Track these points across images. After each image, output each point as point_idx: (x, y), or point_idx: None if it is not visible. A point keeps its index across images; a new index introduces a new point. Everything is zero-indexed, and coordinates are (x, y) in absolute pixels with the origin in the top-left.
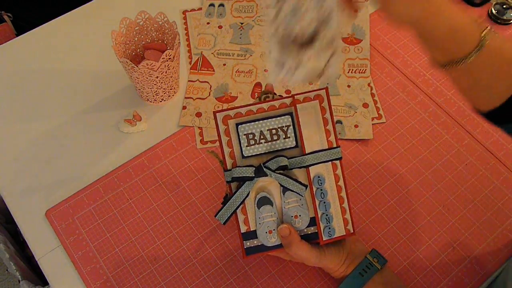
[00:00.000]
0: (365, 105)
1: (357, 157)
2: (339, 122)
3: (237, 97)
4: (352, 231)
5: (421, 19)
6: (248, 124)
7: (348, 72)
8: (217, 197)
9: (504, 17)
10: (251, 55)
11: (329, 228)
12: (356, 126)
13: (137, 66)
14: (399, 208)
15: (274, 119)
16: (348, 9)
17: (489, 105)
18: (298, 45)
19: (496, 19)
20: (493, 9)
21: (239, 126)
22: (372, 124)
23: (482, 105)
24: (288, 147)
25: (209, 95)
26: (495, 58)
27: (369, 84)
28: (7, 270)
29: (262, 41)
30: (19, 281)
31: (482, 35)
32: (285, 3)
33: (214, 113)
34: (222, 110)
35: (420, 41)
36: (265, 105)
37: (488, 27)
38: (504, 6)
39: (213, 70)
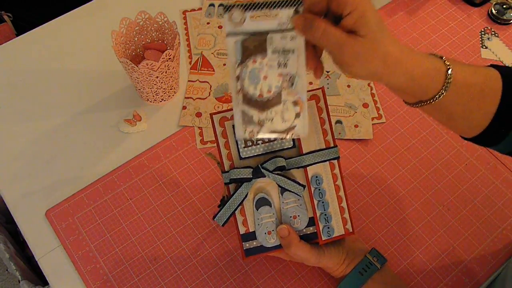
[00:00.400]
0: (365, 105)
1: (357, 157)
2: (339, 122)
3: None
4: (351, 231)
5: (380, 74)
6: None
7: None
8: (217, 197)
9: (504, 17)
10: None
11: (328, 227)
12: (356, 126)
13: (137, 66)
14: (399, 208)
15: None
16: (316, 71)
17: (470, 133)
18: (262, 103)
19: (496, 19)
20: (493, 9)
21: None
22: (372, 124)
23: (464, 134)
24: (285, 147)
25: (209, 95)
26: (464, 92)
27: (369, 84)
28: (7, 270)
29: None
30: (19, 281)
31: (449, 74)
32: (246, 66)
33: (211, 115)
34: (219, 112)
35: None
36: None
37: (448, 64)
38: (504, 6)
39: (213, 70)
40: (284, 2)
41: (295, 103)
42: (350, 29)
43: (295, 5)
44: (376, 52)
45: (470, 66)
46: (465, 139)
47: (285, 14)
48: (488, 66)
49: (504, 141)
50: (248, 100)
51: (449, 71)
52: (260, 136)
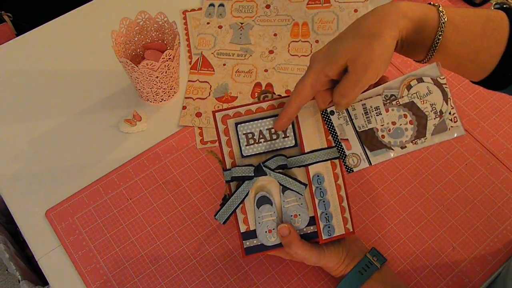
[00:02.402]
0: None
1: None
2: None
3: (237, 97)
4: (351, 230)
5: (389, 31)
6: (247, 123)
7: None
8: (217, 197)
9: None
10: (251, 55)
11: (329, 227)
12: None
13: (137, 66)
14: (399, 208)
15: (273, 118)
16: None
17: (479, 75)
18: (419, 131)
19: None
20: (493, 9)
21: (238, 125)
22: None
23: (474, 77)
24: (287, 146)
25: (209, 95)
26: (464, 32)
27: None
28: (7, 270)
29: (262, 41)
30: (19, 281)
31: (439, 10)
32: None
33: (213, 112)
34: (221, 110)
35: (398, 52)
36: (264, 105)
37: (436, 4)
38: (504, 6)
39: (213, 70)
40: (326, 122)
41: (406, 85)
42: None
43: (326, 117)
44: (363, 45)
45: (469, 9)
46: (475, 83)
47: (337, 121)
48: (494, 10)
49: None
50: (420, 132)
51: (440, 8)
52: (452, 112)
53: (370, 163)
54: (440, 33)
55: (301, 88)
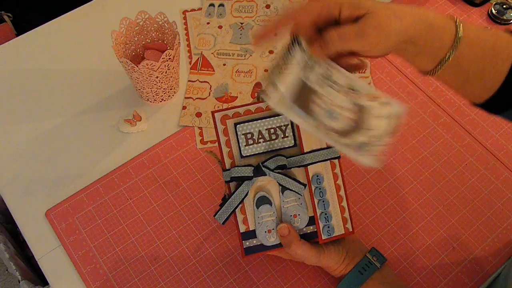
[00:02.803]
0: None
1: None
2: None
3: (237, 97)
4: (351, 230)
5: (400, 30)
6: (246, 123)
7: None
8: (217, 197)
9: (504, 17)
10: (251, 55)
11: (328, 227)
12: None
13: (137, 66)
14: (399, 208)
15: (272, 118)
16: (357, 66)
17: (482, 97)
18: (356, 126)
19: (496, 19)
20: (493, 9)
21: (238, 125)
22: None
23: (477, 98)
24: (286, 146)
25: (209, 95)
26: (477, 48)
27: (369, 84)
28: (7, 270)
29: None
30: (19, 281)
31: (457, 24)
32: (316, 117)
33: (213, 113)
34: (221, 110)
35: (407, 57)
36: (263, 105)
37: (456, 18)
38: (504, 6)
39: (213, 70)
40: (287, 47)
41: (372, 98)
42: (353, 19)
43: (294, 43)
44: (387, 11)
45: (480, 26)
46: (476, 105)
47: (298, 56)
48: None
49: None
50: (345, 133)
51: (457, 21)
52: (382, 147)
53: (279, 108)
54: (455, 46)
55: (303, 7)
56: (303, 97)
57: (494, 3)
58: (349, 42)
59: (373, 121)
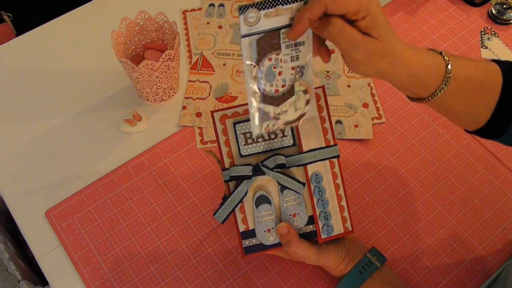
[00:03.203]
0: (365, 105)
1: (357, 157)
2: (339, 122)
3: (237, 97)
4: (350, 229)
5: (385, 72)
6: (245, 123)
7: (348, 72)
8: (217, 197)
9: (504, 17)
10: None
11: (328, 226)
12: (356, 126)
13: (137, 66)
14: (399, 208)
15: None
16: (324, 56)
17: (473, 126)
18: (277, 98)
19: (496, 19)
20: (493, 9)
21: (237, 125)
22: (372, 124)
23: (467, 127)
24: (285, 145)
25: (209, 95)
26: (464, 87)
27: (369, 84)
28: (7, 270)
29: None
30: (19, 281)
31: (448, 69)
32: (262, 65)
33: (212, 112)
34: (220, 110)
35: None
36: None
37: (447, 59)
38: (504, 6)
39: (213, 70)
40: None
41: (305, 91)
42: (363, 31)
43: None
44: (386, 52)
45: (470, 61)
46: (469, 132)
47: (295, 8)
48: (489, 61)
49: (506, 133)
50: (264, 98)
51: (449, 67)
52: (274, 128)
53: (243, 37)
54: (441, 89)
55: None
56: (265, 45)
57: (494, 3)
58: (343, 43)
59: (289, 106)
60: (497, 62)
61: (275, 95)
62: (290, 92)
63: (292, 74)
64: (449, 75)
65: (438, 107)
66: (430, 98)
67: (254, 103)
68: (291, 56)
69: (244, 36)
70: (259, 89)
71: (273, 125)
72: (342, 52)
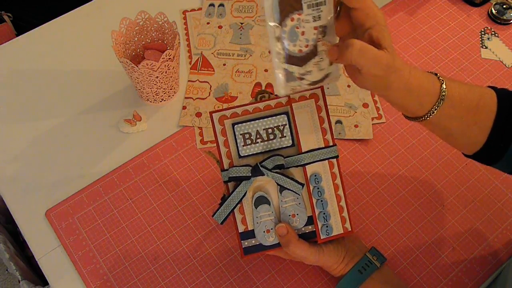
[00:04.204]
0: (365, 105)
1: (357, 157)
2: (339, 122)
3: (237, 97)
4: (350, 229)
5: (386, 87)
6: (244, 124)
7: None
8: (217, 197)
9: (504, 17)
10: (251, 55)
11: (327, 226)
12: (356, 126)
13: (137, 66)
14: (399, 208)
15: (270, 118)
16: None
17: (470, 149)
18: (301, 58)
19: (496, 19)
20: (493, 9)
21: (235, 126)
22: (372, 124)
23: (465, 150)
24: (284, 146)
25: (209, 95)
26: (459, 107)
27: None
28: (7, 270)
29: (262, 41)
30: (19, 281)
31: (443, 88)
32: (285, 25)
33: (210, 113)
34: (218, 110)
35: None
36: (261, 105)
37: (442, 79)
38: (504, 6)
39: (213, 70)
40: None
41: (327, 47)
42: (373, 42)
43: None
44: (393, 66)
45: (465, 83)
46: (467, 156)
47: None
48: (486, 87)
49: (504, 158)
50: (289, 58)
51: (443, 86)
52: (300, 89)
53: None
54: (436, 107)
55: None
56: (287, 5)
57: (494, 3)
58: (363, 62)
59: (313, 66)
60: (492, 87)
61: (299, 55)
62: (314, 52)
63: (314, 34)
64: (444, 94)
65: (434, 127)
66: (426, 117)
67: (278, 63)
68: (313, 16)
69: None
70: (282, 49)
71: (299, 85)
72: (361, 69)
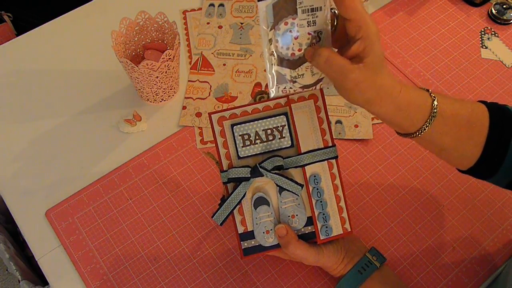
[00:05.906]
0: None
1: (357, 157)
2: (339, 122)
3: (237, 97)
4: (349, 230)
5: (372, 103)
6: (243, 124)
7: None
8: (217, 197)
9: (504, 17)
10: (251, 55)
11: (326, 227)
12: (356, 126)
13: (137, 66)
14: (399, 208)
15: (269, 119)
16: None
17: (465, 165)
18: (293, 62)
19: (496, 19)
20: (493, 9)
21: (234, 127)
22: (372, 124)
23: (459, 165)
24: (283, 147)
25: (209, 95)
26: (451, 123)
27: None
28: (7, 270)
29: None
30: (19, 281)
31: (434, 105)
32: (278, 29)
33: (209, 114)
34: (217, 111)
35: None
36: (260, 106)
37: (434, 96)
38: (504, 6)
39: (213, 70)
40: None
41: None
42: (357, 54)
43: None
44: (374, 83)
45: (457, 99)
46: (462, 172)
47: None
48: (476, 101)
49: (499, 172)
50: (281, 61)
51: (435, 102)
52: (292, 91)
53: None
54: (428, 124)
55: None
56: (281, 9)
57: (494, 3)
58: (330, 72)
59: (305, 70)
60: (484, 102)
61: (291, 59)
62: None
63: (308, 39)
64: (435, 110)
65: (427, 143)
66: (417, 133)
67: (271, 65)
68: (308, 21)
69: (260, 0)
70: (275, 52)
71: (290, 88)
72: (332, 81)
